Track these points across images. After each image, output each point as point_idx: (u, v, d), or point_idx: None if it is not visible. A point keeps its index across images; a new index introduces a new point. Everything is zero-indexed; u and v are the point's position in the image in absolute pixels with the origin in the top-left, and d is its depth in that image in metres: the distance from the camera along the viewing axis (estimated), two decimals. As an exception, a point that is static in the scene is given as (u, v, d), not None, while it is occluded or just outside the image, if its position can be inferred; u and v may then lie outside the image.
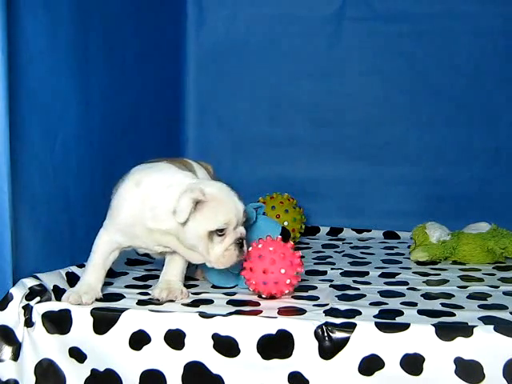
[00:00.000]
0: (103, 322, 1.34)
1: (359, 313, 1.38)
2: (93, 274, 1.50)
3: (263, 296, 1.51)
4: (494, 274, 1.80)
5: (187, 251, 1.47)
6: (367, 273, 1.80)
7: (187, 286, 1.60)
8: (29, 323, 1.36)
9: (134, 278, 1.73)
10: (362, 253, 2.12)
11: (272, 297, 1.51)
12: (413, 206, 2.47)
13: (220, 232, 1.43)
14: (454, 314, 1.37)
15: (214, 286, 1.65)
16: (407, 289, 1.62)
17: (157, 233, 1.46)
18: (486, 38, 2.41)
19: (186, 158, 1.83)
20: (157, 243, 1.49)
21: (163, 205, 1.43)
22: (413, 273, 1.81)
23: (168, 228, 1.44)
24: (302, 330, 1.27)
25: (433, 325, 1.25)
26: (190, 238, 1.43)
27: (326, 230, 2.48)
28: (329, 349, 1.25)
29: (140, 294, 1.56)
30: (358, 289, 1.62)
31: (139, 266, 1.89)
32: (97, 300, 1.48)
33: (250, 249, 1.52)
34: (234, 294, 1.58)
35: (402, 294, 1.56)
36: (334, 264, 1.93)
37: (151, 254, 1.60)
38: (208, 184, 1.48)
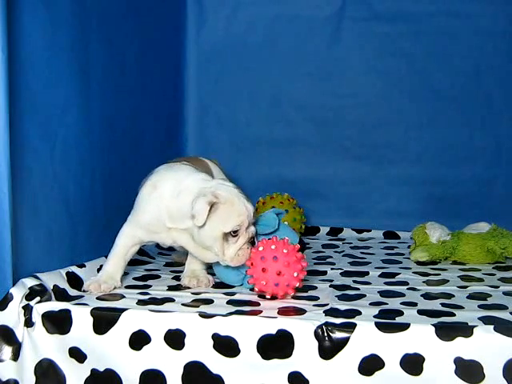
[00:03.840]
0: (103, 321, 1.34)
1: (359, 313, 1.38)
2: (113, 265, 1.62)
3: (267, 296, 1.51)
4: (494, 274, 1.80)
5: (201, 251, 1.57)
6: (367, 273, 1.80)
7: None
8: (29, 323, 1.36)
9: (134, 278, 1.73)
10: (362, 253, 2.12)
11: (273, 297, 1.51)
12: (413, 206, 2.47)
13: (234, 233, 1.52)
14: (454, 314, 1.37)
15: (214, 286, 1.65)
16: (407, 289, 1.62)
17: (174, 231, 1.57)
18: (486, 38, 2.41)
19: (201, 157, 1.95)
20: (173, 241, 1.60)
21: (178, 208, 1.53)
22: (413, 273, 1.81)
23: (185, 228, 1.54)
24: (302, 330, 1.27)
25: (433, 325, 1.25)
26: (206, 239, 1.53)
27: (326, 230, 2.48)
28: (329, 349, 1.25)
29: (140, 293, 1.56)
30: (358, 289, 1.61)
31: (139, 266, 1.89)
32: (98, 299, 1.49)
33: (261, 249, 1.51)
34: (234, 293, 1.58)
35: (402, 294, 1.56)
36: (333, 264, 1.92)
37: (174, 247, 1.70)
38: (219, 187, 1.55)
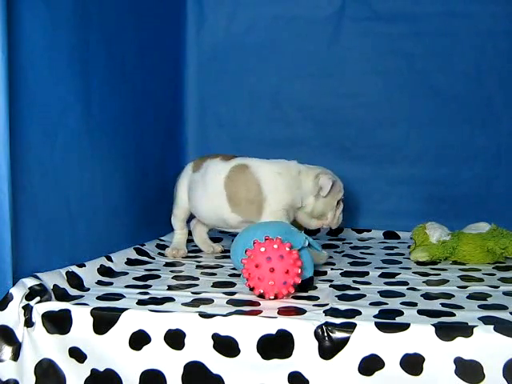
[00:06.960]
0: (103, 321, 1.34)
1: (359, 313, 1.38)
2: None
3: (271, 298, 1.50)
4: (494, 274, 1.80)
5: (310, 220, 2.00)
6: (367, 273, 1.80)
7: (187, 285, 1.62)
8: (29, 323, 1.36)
9: (134, 278, 1.73)
10: (361, 253, 2.12)
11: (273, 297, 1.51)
12: (413, 206, 2.47)
13: (337, 203, 2.01)
14: (454, 314, 1.37)
15: (214, 286, 1.65)
16: (407, 289, 1.62)
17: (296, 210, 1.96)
18: (486, 38, 2.41)
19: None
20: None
21: (305, 187, 1.94)
22: (413, 273, 1.81)
23: (309, 203, 1.96)
24: (302, 330, 1.27)
25: (433, 325, 1.25)
26: (326, 207, 1.98)
27: (326, 230, 2.48)
28: (329, 349, 1.25)
29: (140, 293, 1.56)
30: (358, 289, 1.62)
31: (139, 265, 1.89)
32: (98, 299, 1.49)
33: (263, 249, 1.50)
34: (234, 293, 1.58)
35: (402, 294, 1.56)
36: (334, 264, 1.93)
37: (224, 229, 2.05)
38: (324, 170, 2.01)
